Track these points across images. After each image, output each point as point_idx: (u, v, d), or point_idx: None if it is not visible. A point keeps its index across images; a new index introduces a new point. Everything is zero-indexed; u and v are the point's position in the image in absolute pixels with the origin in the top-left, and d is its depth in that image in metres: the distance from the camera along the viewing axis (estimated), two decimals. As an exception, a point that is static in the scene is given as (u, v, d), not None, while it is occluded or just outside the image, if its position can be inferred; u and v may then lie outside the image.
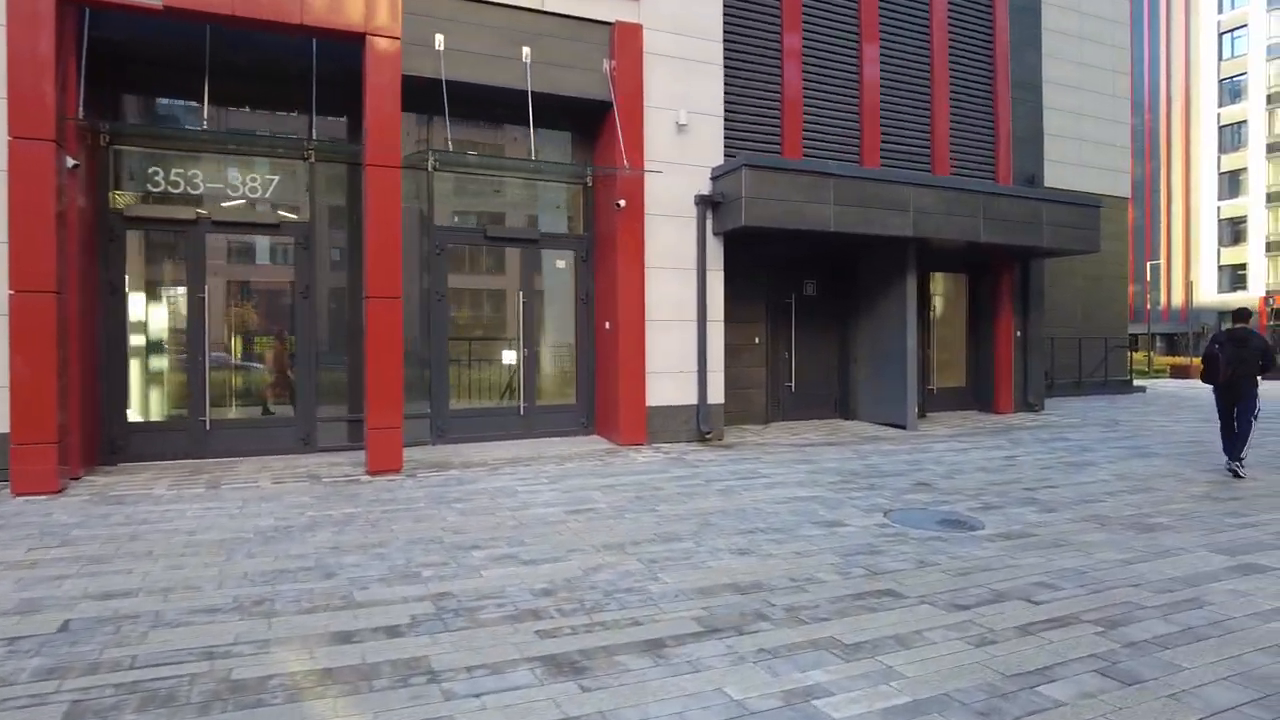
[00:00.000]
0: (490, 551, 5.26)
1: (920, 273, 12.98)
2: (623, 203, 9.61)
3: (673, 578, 4.73)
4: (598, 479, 7.77)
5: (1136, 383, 21.97)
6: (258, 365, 9.24)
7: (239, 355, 9.15)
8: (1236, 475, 8.28)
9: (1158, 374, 31.07)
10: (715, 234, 10.26)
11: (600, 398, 10.29)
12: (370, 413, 7.98)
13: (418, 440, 9.54)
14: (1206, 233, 54.91)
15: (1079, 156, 19.71)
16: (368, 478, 7.83)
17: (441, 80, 8.81)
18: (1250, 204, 51.76)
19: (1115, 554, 5.31)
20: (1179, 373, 29.34)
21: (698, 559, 5.12)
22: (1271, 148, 50.68)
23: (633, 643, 3.74)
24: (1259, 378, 8.55)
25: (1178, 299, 57.42)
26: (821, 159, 11.45)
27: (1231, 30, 54.30)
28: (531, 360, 10.15)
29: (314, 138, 9.14)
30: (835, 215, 10.07)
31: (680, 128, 10.02)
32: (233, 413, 9.04)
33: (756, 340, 11.79)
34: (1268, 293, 49.07)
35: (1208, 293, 54.64)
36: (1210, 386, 8.80)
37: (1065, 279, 19.35)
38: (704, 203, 10.08)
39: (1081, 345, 18.44)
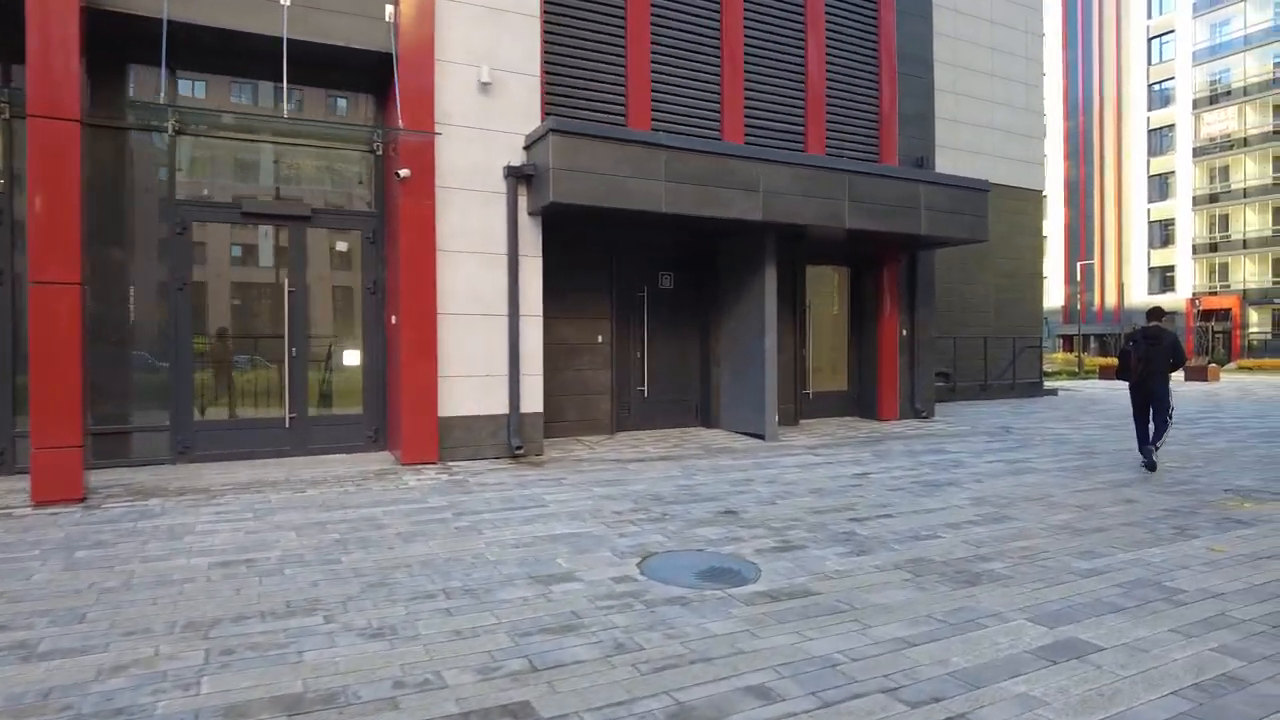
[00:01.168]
0: (6, 637, 3.64)
1: (794, 264, 11.64)
2: (405, 172, 8.02)
3: (218, 684, 3.16)
4: (321, 513, 6.16)
5: (1057, 384, 21.11)
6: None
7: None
8: (1150, 467, 8.39)
9: (1088, 374, 30.60)
10: (531, 213, 8.73)
11: (393, 407, 8.68)
12: (34, 430, 6.26)
13: (153, 458, 7.84)
14: (1137, 235, 55.27)
15: (992, 146, 18.67)
16: (27, 510, 6.12)
17: (163, 20, 7.12)
18: (1178, 207, 52.11)
19: (902, 627, 3.89)
20: (1107, 373, 28.83)
21: (300, 647, 3.55)
22: (1198, 152, 51.02)
23: None
24: (1170, 375, 8.65)
25: (1111, 300, 57.75)
26: (675, 134, 9.99)
27: (1160, 35, 54.70)
28: (301, 362, 8.49)
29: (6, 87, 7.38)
30: (668, 194, 8.61)
31: (484, 87, 8.47)
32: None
33: (600, 339, 10.29)
34: (1194, 295, 49.40)
35: (1139, 294, 54.96)
36: (1127, 386, 8.92)
37: (976, 275, 18.29)
38: (515, 176, 8.54)
39: (988, 345, 17.33)
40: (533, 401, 8.76)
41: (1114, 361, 33.56)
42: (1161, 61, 54.54)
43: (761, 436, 10.16)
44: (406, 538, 5.45)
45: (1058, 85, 60.76)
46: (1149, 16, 55.01)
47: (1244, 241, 48.95)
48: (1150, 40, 55.27)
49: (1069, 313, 57.22)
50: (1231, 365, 40.00)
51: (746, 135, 10.80)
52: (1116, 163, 57.39)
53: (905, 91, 12.39)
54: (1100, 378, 29.13)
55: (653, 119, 10.16)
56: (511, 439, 8.53)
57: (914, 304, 12.40)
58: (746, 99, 10.89)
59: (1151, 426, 8.54)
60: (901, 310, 12.31)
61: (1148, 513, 6.53)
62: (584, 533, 5.63)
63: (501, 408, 8.58)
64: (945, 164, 17.67)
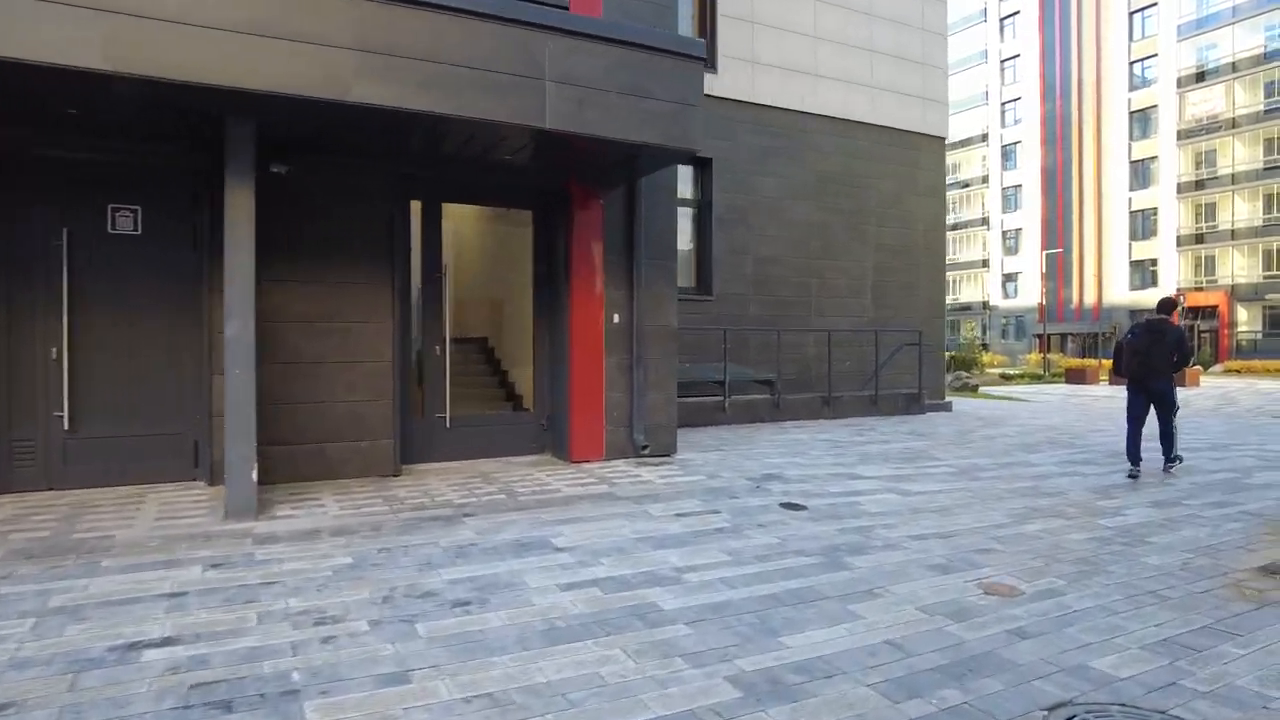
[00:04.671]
0: None
1: (414, 197, 6.80)
2: None
3: None
4: None
5: (1002, 390, 16.25)
6: None
7: None
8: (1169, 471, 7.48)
9: (1054, 378, 26.44)
10: None
11: None
12: None
13: None
14: (1118, 226, 50.81)
15: (871, 75, 13.85)
16: None
17: None
18: (1161, 195, 47.53)
19: None
20: (1075, 376, 24.66)
21: None
22: (1182, 135, 46.45)
23: None
24: (1173, 373, 7.41)
25: (1090, 297, 53.15)
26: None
27: (1142, 9, 50.39)
28: None
29: None
30: None
31: None
32: None
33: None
34: (1179, 290, 44.68)
35: (1119, 290, 50.48)
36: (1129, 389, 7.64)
37: (847, 247, 13.47)
38: None
39: (831, 341, 12.38)
40: None
41: (1080, 363, 29.52)
42: (1144, 37, 50.28)
43: (240, 506, 5.29)
44: None
45: (1034, 67, 56.37)
46: (1130, -11, 50.50)
47: (1232, 232, 44.46)
48: (1131, 15, 51.01)
49: (1044, 310, 52.54)
50: (1218, 367, 35.52)
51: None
52: (1096, 148, 52.94)
53: (627, -74, 7.52)
54: (1066, 380, 24.78)
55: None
56: None
57: (633, 270, 7.50)
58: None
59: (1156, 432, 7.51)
60: (611, 283, 7.41)
61: None
62: None
63: None
64: (801, 94, 12.90)
